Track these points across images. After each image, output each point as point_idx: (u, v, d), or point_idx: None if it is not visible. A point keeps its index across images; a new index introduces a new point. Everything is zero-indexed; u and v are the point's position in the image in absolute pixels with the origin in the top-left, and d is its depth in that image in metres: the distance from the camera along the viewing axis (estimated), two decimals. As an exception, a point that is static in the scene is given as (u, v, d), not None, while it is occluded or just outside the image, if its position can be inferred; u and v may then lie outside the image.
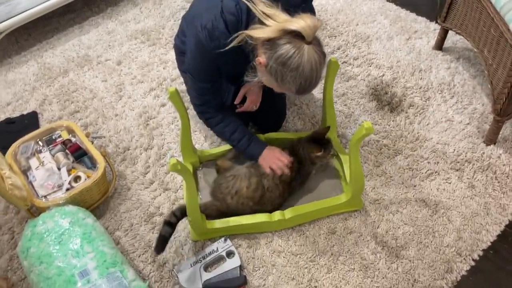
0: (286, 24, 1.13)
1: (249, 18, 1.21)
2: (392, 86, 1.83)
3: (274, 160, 1.39)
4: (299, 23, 1.11)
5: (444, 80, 1.84)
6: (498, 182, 1.50)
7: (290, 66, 1.14)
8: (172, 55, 2.03)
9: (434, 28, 2.05)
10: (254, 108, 1.54)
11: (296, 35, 1.13)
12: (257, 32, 1.17)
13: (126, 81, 1.94)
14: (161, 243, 1.31)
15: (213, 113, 1.45)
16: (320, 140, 1.45)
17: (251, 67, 1.27)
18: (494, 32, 1.49)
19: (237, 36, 1.20)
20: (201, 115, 1.49)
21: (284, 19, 1.15)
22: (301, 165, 1.45)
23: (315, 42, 1.16)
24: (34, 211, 1.44)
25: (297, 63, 1.13)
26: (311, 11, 1.36)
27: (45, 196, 1.43)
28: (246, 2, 1.19)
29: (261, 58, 1.18)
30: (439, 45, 1.95)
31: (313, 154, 1.43)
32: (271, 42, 1.15)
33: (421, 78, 1.85)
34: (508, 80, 1.42)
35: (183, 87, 1.75)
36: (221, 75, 1.40)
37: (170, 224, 1.32)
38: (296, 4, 1.22)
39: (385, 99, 1.79)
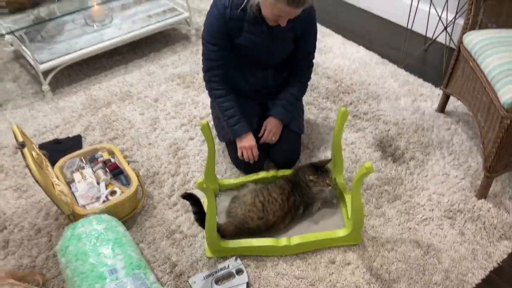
0: None
1: None
2: (396, 140, 2.04)
3: (248, 146, 1.73)
4: None
5: (444, 139, 2.04)
6: (486, 232, 1.65)
7: None
8: (203, 97, 2.31)
9: (438, 93, 2.28)
10: (274, 140, 1.78)
11: None
12: None
13: (161, 116, 2.21)
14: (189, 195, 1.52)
15: (219, 85, 1.71)
16: (319, 168, 1.65)
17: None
18: (486, 99, 1.71)
19: None
20: (209, 83, 1.73)
21: None
22: (302, 190, 1.64)
23: None
24: (72, 219, 1.65)
25: None
26: None
27: (84, 206, 1.65)
28: None
29: None
30: (442, 108, 2.18)
31: (308, 177, 1.63)
32: None
33: (423, 136, 2.06)
34: (496, 141, 1.61)
35: (212, 124, 2.00)
36: (233, 52, 1.66)
37: None
38: None
39: (389, 151, 1.99)
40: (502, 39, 1.75)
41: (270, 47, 1.68)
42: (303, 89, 1.85)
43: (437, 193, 1.80)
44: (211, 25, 1.62)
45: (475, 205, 1.74)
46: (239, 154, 1.76)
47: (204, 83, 2.35)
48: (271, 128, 1.79)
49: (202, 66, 1.75)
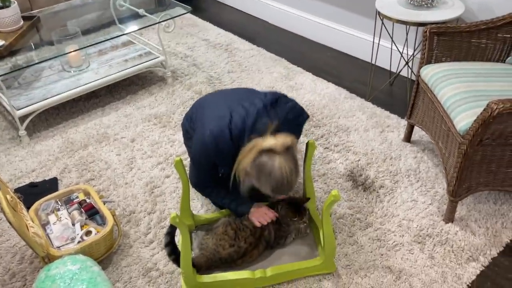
0: (260, 145, 1.43)
1: (252, 129, 1.50)
2: (366, 170, 2.12)
3: (261, 214, 1.65)
4: (270, 142, 1.42)
5: (411, 167, 2.13)
6: (455, 255, 1.71)
7: (264, 172, 1.43)
8: (178, 136, 2.37)
9: (404, 124, 2.39)
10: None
11: (270, 150, 1.43)
12: (244, 161, 1.46)
13: (137, 155, 2.25)
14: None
15: (211, 189, 1.73)
16: (298, 206, 1.69)
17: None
18: (444, 127, 1.82)
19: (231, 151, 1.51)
20: (197, 188, 1.75)
21: (262, 142, 1.43)
22: (277, 222, 1.68)
23: (287, 155, 1.43)
24: (47, 261, 1.65)
25: (269, 170, 1.42)
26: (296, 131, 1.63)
27: (59, 247, 1.65)
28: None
29: (248, 168, 1.46)
30: (408, 138, 2.28)
31: (290, 218, 1.66)
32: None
33: (391, 165, 2.15)
34: (456, 166, 1.70)
35: (186, 162, 2.05)
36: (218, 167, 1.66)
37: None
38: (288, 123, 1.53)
39: (359, 180, 2.06)
40: (455, 71, 1.88)
41: None
42: None
43: (407, 219, 1.86)
44: (201, 159, 1.62)
45: (442, 229, 1.81)
46: (258, 225, 1.65)
47: (179, 122, 2.46)
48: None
49: (196, 181, 1.73)
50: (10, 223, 1.45)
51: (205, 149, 1.56)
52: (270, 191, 1.47)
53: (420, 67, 2.01)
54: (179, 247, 1.67)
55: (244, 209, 1.69)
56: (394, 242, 1.77)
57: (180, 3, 2.85)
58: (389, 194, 1.98)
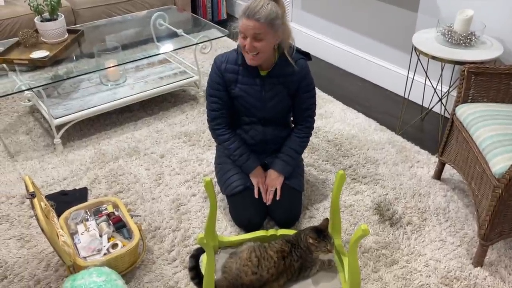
0: None
1: None
2: (394, 205, 2.09)
3: (257, 181, 1.89)
4: None
5: (440, 206, 2.09)
6: (483, 300, 1.65)
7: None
8: (207, 154, 2.39)
9: (434, 161, 2.36)
10: (270, 198, 1.89)
11: None
12: None
13: (165, 171, 2.28)
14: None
15: (223, 130, 1.90)
16: (321, 231, 1.68)
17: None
18: (479, 168, 1.79)
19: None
20: (214, 131, 1.90)
21: None
22: (302, 252, 1.66)
23: None
24: (73, 270, 1.67)
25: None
26: None
27: (85, 257, 1.67)
28: None
29: None
30: (438, 175, 2.24)
31: (308, 240, 1.65)
32: None
33: (420, 201, 2.11)
34: (490, 209, 1.66)
35: (215, 181, 2.06)
36: (233, 104, 1.88)
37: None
38: None
39: (386, 215, 2.03)
40: (492, 113, 1.86)
41: (263, 98, 1.85)
42: (301, 144, 1.95)
43: (434, 259, 1.82)
44: (211, 79, 1.86)
45: (471, 273, 1.76)
46: (256, 191, 1.87)
47: (208, 141, 2.49)
48: (270, 181, 1.89)
49: (207, 118, 1.93)
50: (42, 230, 1.49)
51: (214, 67, 1.83)
52: (243, 12, 1.65)
53: (455, 106, 2.00)
54: (202, 270, 1.67)
55: (251, 165, 1.89)
56: (420, 282, 1.72)
57: (217, 26, 2.92)
58: (416, 232, 1.94)
